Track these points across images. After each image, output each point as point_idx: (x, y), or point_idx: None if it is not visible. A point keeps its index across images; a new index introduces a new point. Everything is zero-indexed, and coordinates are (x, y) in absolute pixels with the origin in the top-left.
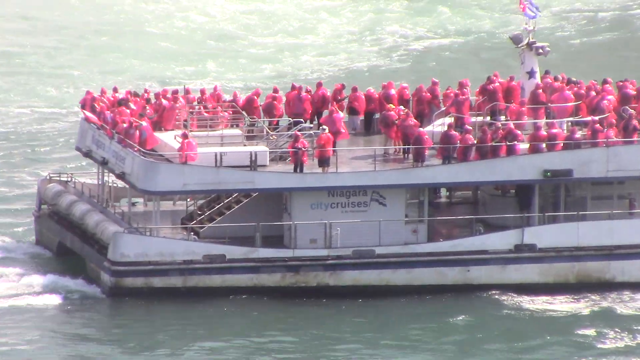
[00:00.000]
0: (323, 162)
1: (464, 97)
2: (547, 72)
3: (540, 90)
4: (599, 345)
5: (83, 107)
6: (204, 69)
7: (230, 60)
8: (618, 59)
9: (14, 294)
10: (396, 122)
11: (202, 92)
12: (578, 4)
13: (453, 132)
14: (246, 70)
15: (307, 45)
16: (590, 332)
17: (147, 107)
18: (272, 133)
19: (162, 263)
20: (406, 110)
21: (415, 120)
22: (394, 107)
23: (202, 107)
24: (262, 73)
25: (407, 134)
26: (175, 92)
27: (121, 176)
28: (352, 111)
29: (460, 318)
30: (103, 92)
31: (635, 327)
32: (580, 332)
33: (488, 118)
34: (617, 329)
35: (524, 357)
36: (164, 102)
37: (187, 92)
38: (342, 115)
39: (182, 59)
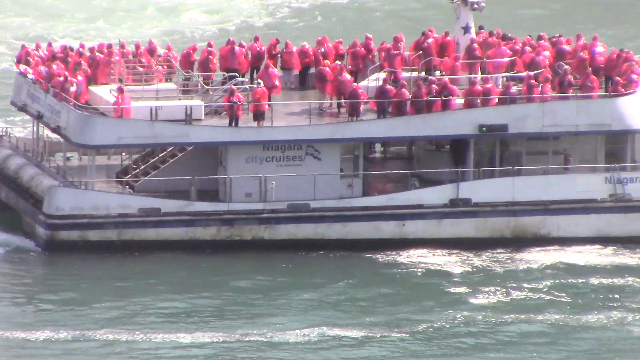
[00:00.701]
0: (258, 116)
1: (396, 51)
2: (481, 28)
3: (476, 45)
4: (472, 301)
5: (19, 61)
6: (88, 27)
7: (118, 19)
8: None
9: None
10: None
11: (137, 46)
12: None
13: (388, 87)
14: (133, 29)
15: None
16: (463, 288)
17: (82, 62)
18: (207, 87)
19: (97, 216)
20: (341, 64)
21: (349, 75)
22: (328, 62)
23: (137, 61)
24: (148, 32)
25: (341, 88)
26: (110, 46)
27: (56, 130)
28: (285, 66)
29: (341, 277)
30: (38, 47)
31: (510, 284)
32: (453, 289)
33: (423, 73)
34: (490, 286)
35: (396, 314)
36: (99, 55)
37: (122, 46)
38: (277, 70)
39: (67, 16)
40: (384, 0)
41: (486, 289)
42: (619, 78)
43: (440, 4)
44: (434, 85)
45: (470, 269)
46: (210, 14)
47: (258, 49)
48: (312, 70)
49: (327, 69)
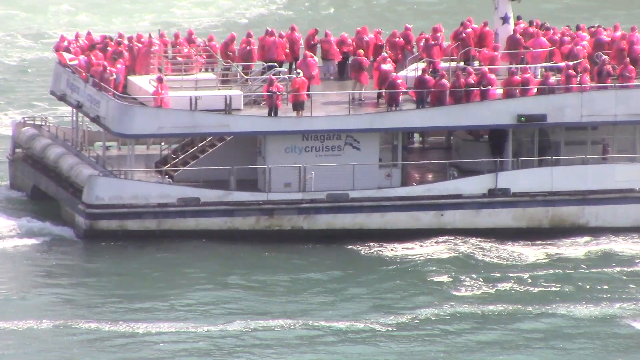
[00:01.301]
0: (297, 106)
1: (435, 42)
2: (519, 18)
3: (519, 36)
4: (454, 293)
5: (57, 50)
6: (77, 21)
7: (107, 9)
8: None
9: None
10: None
11: (176, 36)
12: None
13: (427, 77)
14: (125, 23)
15: None
16: (445, 278)
17: (124, 51)
18: (246, 77)
19: (136, 206)
20: (385, 55)
21: (392, 64)
22: (362, 52)
23: (177, 51)
24: (139, 24)
25: (382, 78)
26: (149, 36)
27: (96, 120)
28: (325, 56)
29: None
30: (77, 37)
31: (494, 275)
32: (436, 278)
33: (462, 63)
34: (474, 276)
35: (381, 303)
36: (138, 45)
37: (161, 35)
38: (316, 60)
39: (52, 9)
40: None
41: (470, 281)
42: None
43: None
44: (472, 76)
45: (460, 259)
46: (204, 6)
47: (294, 38)
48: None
49: (364, 58)
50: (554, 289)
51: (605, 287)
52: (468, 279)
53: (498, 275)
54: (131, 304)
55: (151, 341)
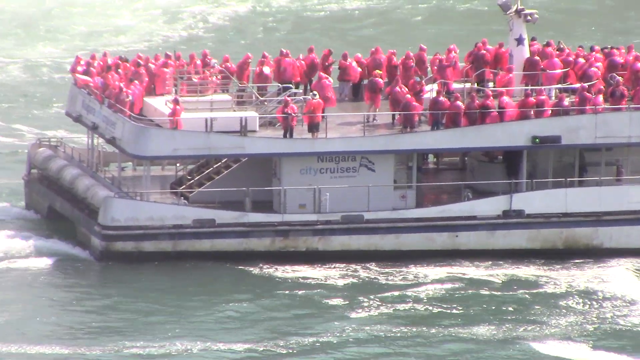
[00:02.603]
0: (312, 127)
1: (448, 63)
2: (533, 39)
3: (537, 57)
4: (352, 315)
5: (73, 72)
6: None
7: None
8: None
9: (4, 257)
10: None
11: (192, 57)
12: None
13: (442, 98)
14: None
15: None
16: (341, 301)
17: (143, 71)
18: (261, 98)
19: (152, 227)
20: (397, 77)
21: (404, 87)
22: (380, 72)
23: (191, 72)
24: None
25: (396, 100)
26: (167, 56)
27: (112, 141)
28: (342, 78)
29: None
30: (93, 57)
31: (396, 295)
32: (332, 302)
33: (475, 84)
34: (371, 297)
35: (275, 330)
36: (152, 66)
37: (177, 57)
38: (331, 81)
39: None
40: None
41: (369, 302)
42: None
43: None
44: (490, 99)
45: (355, 282)
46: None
47: (311, 59)
48: (365, 81)
49: (380, 79)
50: (455, 311)
51: (510, 309)
52: (366, 301)
53: (399, 296)
54: (147, 325)
55: None
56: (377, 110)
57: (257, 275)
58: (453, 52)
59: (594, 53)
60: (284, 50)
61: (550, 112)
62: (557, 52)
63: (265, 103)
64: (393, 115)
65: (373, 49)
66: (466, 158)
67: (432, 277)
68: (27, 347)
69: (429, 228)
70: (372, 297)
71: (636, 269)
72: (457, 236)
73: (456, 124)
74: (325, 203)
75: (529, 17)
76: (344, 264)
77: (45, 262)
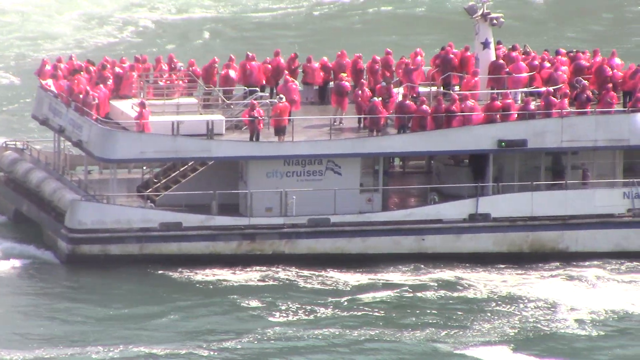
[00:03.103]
0: (279, 130)
1: (414, 67)
2: (499, 43)
3: (502, 61)
4: (270, 318)
5: (39, 75)
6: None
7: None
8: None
9: None
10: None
11: (158, 60)
12: None
13: (408, 102)
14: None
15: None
16: (259, 303)
17: (109, 74)
18: (228, 102)
19: (119, 230)
20: (364, 81)
21: (369, 91)
22: (345, 75)
23: (157, 76)
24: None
25: (361, 104)
26: (138, 59)
27: (78, 144)
28: (306, 80)
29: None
30: (59, 61)
31: (316, 299)
32: (249, 303)
33: (442, 88)
34: (290, 301)
35: (195, 331)
36: (118, 70)
37: (143, 60)
38: (297, 84)
39: None
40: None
41: (287, 306)
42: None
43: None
44: (456, 103)
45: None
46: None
47: (276, 63)
48: (332, 84)
49: (347, 82)
50: (377, 314)
51: (433, 312)
52: (286, 305)
53: (319, 301)
54: (111, 328)
55: None
56: (344, 113)
57: (178, 279)
58: (419, 55)
59: (559, 57)
60: (250, 54)
61: (516, 115)
62: (523, 56)
63: (232, 106)
64: (359, 119)
65: (339, 52)
66: (432, 162)
67: (353, 283)
68: None
69: (396, 231)
70: (291, 301)
71: (561, 274)
72: (423, 239)
73: (423, 128)
74: (292, 206)
75: (494, 21)
76: (265, 267)
77: (12, 264)
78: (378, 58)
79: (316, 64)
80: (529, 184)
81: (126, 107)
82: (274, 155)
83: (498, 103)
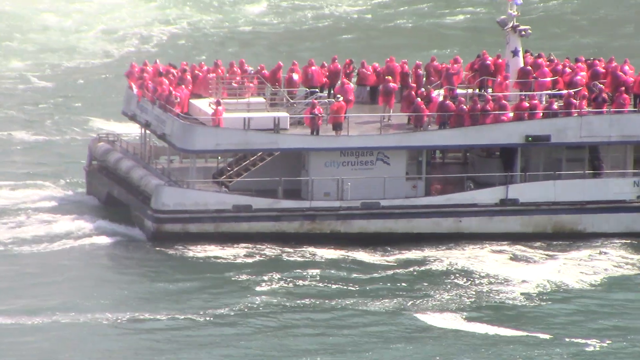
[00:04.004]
0: (336, 126)
1: (453, 71)
2: (527, 51)
3: (530, 68)
4: (257, 288)
5: (128, 77)
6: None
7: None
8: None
9: (68, 236)
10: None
11: (231, 64)
12: None
13: (448, 102)
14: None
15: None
16: (247, 277)
17: (188, 77)
18: (292, 101)
19: (197, 212)
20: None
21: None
22: (391, 78)
23: (232, 78)
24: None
25: (409, 103)
26: (215, 65)
27: (162, 137)
28: (360, 82)
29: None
30: (145, 64)
31: (298, 272)
32: (237, 277)
33: (477, 90)
34: (278, 274)
35: (187, 303)
36: (198, 73)
37: (217, 65)
38: (352, 85)
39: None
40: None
41: (271, 279)
42: None
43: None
44: (489, 103)
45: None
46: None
47: (335, 67)
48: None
49: (393, 84)
50: (352, 288)
51: (403, 285)
52: (268, 278)
53: (300, 275)
54: (189, 299)
55: (196, 335)
56: (391, 111)
57: (173, 255)
58: (458, 62)
59: (579, 64)
60: (311, 60)
61: (541, 114)
62: (548, 63)
63: (295, 105)
64: (408, 116)
65: (388, 59)
66: (468, 154)
67: (328, 257)
68: (88, 316)
69: (436, 214)
70: (275, 274)
71: (510, 252)
72: (460, 221)
73: (460, 124)
74: (347, 191)
75: (523, 32)
76: (253, 244)
77: (105, 240)
78: (420, 63)
79: (369, 68)
80: (552, 173)
81: (204, 105)
82: (331, 147)
83: (526, 104)
